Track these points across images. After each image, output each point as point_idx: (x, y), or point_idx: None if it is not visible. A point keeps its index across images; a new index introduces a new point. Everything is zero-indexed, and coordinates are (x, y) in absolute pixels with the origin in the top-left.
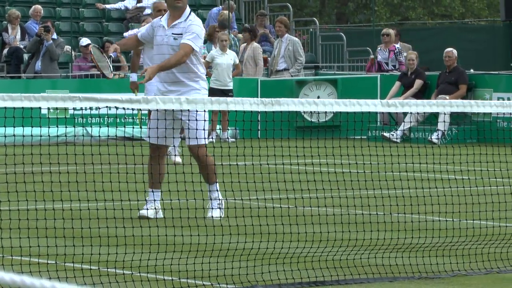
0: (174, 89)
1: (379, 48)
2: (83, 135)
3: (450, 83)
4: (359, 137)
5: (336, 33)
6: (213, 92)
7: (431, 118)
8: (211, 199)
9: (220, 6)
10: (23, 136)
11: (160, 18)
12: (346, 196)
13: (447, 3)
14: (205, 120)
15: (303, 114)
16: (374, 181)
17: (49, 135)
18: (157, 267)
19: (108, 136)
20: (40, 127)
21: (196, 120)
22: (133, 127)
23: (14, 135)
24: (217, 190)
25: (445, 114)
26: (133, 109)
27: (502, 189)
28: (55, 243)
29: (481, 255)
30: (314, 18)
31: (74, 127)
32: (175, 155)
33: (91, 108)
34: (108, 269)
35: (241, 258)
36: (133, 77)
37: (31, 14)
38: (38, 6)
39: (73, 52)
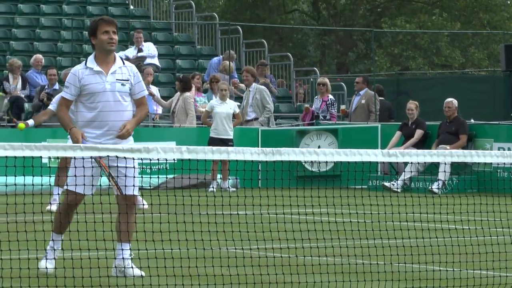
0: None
1: (316, 97)
2: (83, 184)
3: (450, 133)
4: (360, 186)
5: (337, 83)
6: (212, 141)
7: (432, 168)
8: (131, 258)
9: (221, 56)
10: (24, 185)
11: (85, 67)
12: (347, 245)
13: (447, 53)
14: (135, 168)
15: (303, 163)
16: (374, 230)
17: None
18: None
19: (109, 185)
20: (41, 176)
21: (134, 167)
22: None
23: (15, 184)
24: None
25: (445, 164)
26: (133, 159)
27: (503, 239)
28: None
29: None
30: (315, 68)
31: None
32: (143, 205)
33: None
34: None
35: None
36: (31, 122)
37: (32, 64)
38: (39, 56)
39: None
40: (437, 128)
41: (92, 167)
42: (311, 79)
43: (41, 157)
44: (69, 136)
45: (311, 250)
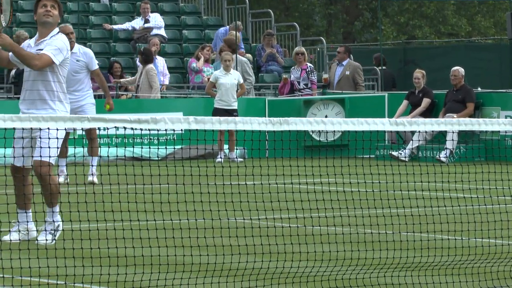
0: (30, 111)
1: (293, 68)
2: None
3: (457, 101)
4: (367, 156)
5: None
6: (217, 112)
7: (439, 137)
8: (45, 221)
9: (227, 26)
10: (32, 156)
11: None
12: (355, 215)
13: (453, 22)
14: (50, 138)
15: (311, 133)
16: (382, 200)
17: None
18: (166, 287)
19: (117, 156)
20: (49, 147)
21: (49, 138)
22: (141, 147)
23: (22, 156)
24: (56, 213)
25: (453, 132)
26: (141, 129)
27: (511, 207)
28: (64, 263)
29: (490, 273)
30: (321, 37)
31: (83, 147)
32: (92, 174)
33: (99, 129)
34: None
35: (250, 278)
36: None
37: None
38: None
39: None
40: (444, 97)
41: (30, 138)
42: (318, 49)
43: (48, 128)
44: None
45: (319, 219)
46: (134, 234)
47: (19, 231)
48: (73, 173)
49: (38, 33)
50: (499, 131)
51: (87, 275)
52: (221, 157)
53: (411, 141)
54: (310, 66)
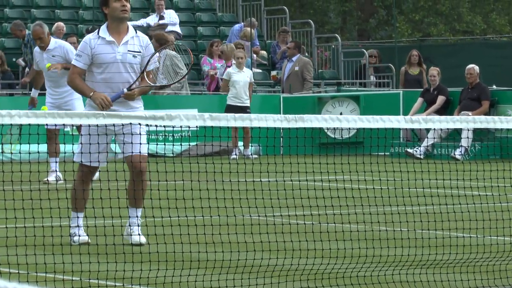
0: (118, 108)
1: (221, 64)
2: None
3: (472, 99)
4: (382, 153)
5: (358, 50)
6: (230, 108)
7: (454, 134)
8: (138, 225)
9: (242, 23)
10: (47, 153)
11: (97, 36)
12: (370, 212)
13: (468, 20)
14: (141, 134)
15: (326, 130)
16: (397, 197)
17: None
18: (182, 284)
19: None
20: (64, 144)
21: (140, 134)
22: (156, 144)
23: (38, 152)
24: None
25: (468, 130)
26: (156, 126)
27: None
28: (79, 259)
29: (505, 271)
30: (336, 35)
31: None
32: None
33: (114, 125)
34: (133, 286)
35: (265, 274)
36: (34, 93)
37: (54, 31)
38: (61, 23)
39: None
40: (459, 95)
41: (106, 134)
42: (333, 46)
43: (64, 125)
44: (88, 102)
45: (334, 217)
46: (149, 231)
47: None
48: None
49: (112, 28)
50: None
51: (102, 271)
52: (235, 154)
53: (426, 139)
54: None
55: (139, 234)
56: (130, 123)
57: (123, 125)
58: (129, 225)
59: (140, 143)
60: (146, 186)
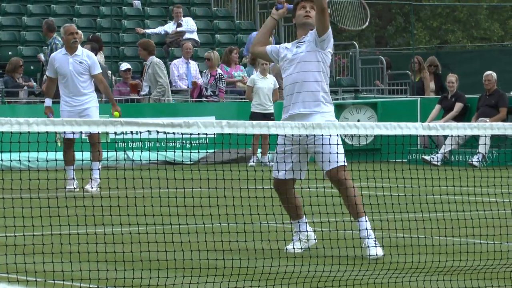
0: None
1: (204, 72)
2: (124, 160)
3: (490, 106)
4: (400, 160)
5: (376, 57)
6: (255, 116)
7: (472, 141)
8: (368, 237)
9: None
10: (64, 161)
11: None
12: (387, 219)
13: (486, 26)
14: (338, 144)
15: (343, 137)
16: (414, 204)
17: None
18: None
19: (149, 160)
20: (82, 151)
21: (336, 144)
22: (174, 151)
23: (56, 160)
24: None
25: (485, 137)
26: (174, 133)
27: None
28: (97, 267)
29: None
30: (354, 42)
31: (116, 151)
32: (91, 179)
33: (132, 133)
34: None
35: (282, 282)
36: (48, 102)
37: None
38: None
39: (113, 77)
40: (476, 101)
41: (291, 153)
42: (350, 53)
43: (81, 132)
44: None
45: (351, 224)
46: (166, 238)
47: (300, 239)
48: (106, 177)
49: (298, 34)
50: None
51: (119, 278)
52: (253, 161)
53: (443, 146)
54: (219, 73)
55: (375, 246)
56: (322, 135)
57: (315, 136)
58: (360, 238)
59: (333, 153)
60: (351, 193)
